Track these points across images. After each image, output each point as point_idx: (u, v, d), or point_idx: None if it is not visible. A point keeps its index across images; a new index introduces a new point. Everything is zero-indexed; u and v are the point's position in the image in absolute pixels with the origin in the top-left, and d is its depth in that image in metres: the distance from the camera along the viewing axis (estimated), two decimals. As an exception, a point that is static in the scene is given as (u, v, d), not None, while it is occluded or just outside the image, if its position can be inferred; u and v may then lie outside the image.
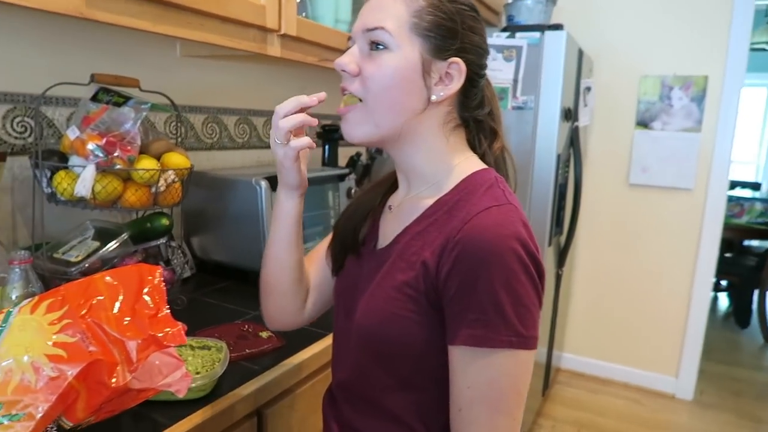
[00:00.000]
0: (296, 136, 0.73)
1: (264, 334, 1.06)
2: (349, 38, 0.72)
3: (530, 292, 0.62)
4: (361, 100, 0.69)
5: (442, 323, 0.66)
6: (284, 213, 0.80)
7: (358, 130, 0.71)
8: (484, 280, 0.60)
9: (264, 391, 0.90)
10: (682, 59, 2.54)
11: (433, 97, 0.70)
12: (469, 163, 0.74)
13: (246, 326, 1.10)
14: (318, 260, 0.90)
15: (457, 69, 0.70)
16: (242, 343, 1.01)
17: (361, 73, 0.69)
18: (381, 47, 0.68)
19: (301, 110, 0.72)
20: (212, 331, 1.05)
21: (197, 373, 0.83)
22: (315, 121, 0.72)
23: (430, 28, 0.68)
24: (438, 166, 0.73)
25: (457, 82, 0.70)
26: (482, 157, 0.76)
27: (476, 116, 0.75)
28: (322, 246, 0.90)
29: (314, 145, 0.74)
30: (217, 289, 1.34)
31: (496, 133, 0.77)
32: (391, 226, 0.77)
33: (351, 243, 0.82)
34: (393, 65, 0.67)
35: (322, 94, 0.72)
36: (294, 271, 0.83)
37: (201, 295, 1.29)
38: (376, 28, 0.67)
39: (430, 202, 0.72)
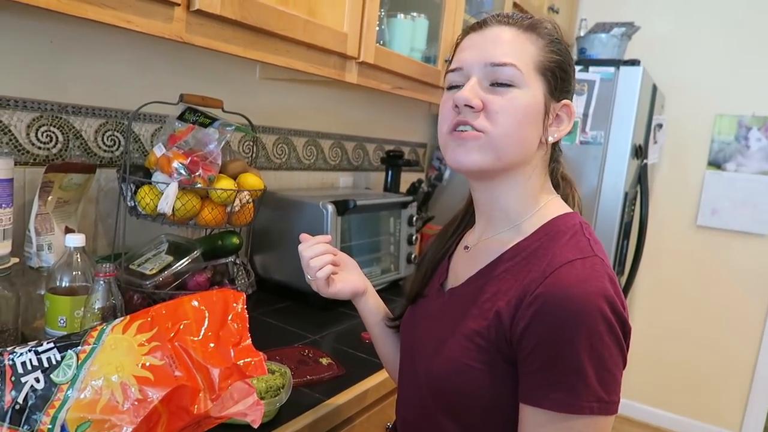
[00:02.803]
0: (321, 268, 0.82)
1: (324, 361, 1.05)
2: (453, 70, 0.69)
3: (614, 355, 0.58)
4: (481, 132, 0.65)
5: (514, 377, 0.62)
6: (361, 315, 0.91)
7: (476, 157, 0.66)
8: (566, 342, 0.57)
9: (325, 419, 0.89)
10: (761, 99, 2.42)
11: (550, 138, 0.69)
12: (553, 205, 0.71)
13: (306, 351, 1.09)
14: None
15: (566, 112, 0.69)
16: (303, 369, 1.01)
17: (486, 108, 0.65)
18: (506, 83, 0.65)
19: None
20: (273, 354, 1.05)
21: (261, 398, 0.83)
22: (336, 254, 0.84)
23: (552, 69, 0.67)
24: (526, 206, 0.70)
25: (567, 125, 0.69)
26: (563, 197, 0.74)
27: (558, 157, 0.75)
28: None
29: (337, 270, 0.84)
30: (277, 309, 1.35)
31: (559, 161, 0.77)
32: (463, 267, 0.75)
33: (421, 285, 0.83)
34: (525, 103, 0.65)
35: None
36: (394, 346, 0.90)
37: (261, 314, 1.30)
38: (505, 65, 0.65)
39: (508, 245, 0.69)
